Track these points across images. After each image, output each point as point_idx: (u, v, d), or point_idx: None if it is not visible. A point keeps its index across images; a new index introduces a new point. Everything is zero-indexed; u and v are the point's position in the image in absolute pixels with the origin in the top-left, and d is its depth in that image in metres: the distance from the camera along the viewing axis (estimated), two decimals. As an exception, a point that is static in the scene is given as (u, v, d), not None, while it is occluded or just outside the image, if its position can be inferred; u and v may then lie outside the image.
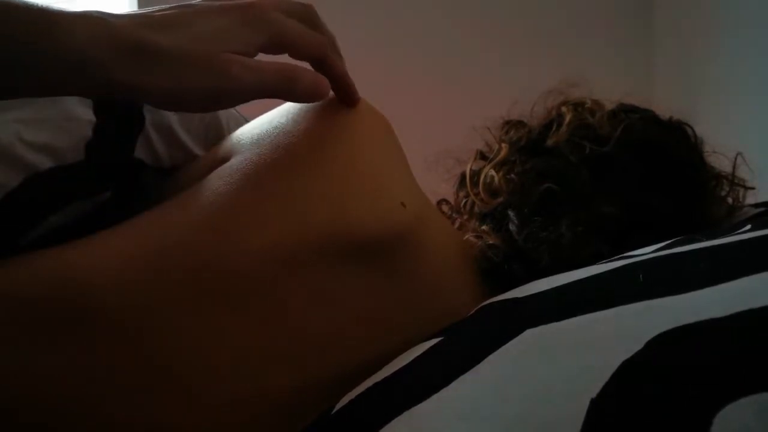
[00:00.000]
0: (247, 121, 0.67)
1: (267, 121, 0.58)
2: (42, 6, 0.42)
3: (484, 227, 0.63)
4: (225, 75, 0.46)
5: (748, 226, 0.47)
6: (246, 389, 0.49)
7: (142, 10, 0.48)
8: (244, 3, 0.49)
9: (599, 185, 0.61)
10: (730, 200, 0.67)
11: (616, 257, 0.47)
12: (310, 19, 0.54)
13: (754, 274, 0.34)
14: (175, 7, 0.48)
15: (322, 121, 0.56)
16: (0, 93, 0.44)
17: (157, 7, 0.48)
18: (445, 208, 0.74)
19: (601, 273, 0.43)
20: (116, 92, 0.45)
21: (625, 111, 0.68)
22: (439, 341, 0.44)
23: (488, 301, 0.48)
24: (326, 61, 0.54)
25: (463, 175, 0.71)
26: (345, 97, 0.57)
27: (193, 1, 0.50)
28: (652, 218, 0.60)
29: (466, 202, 0.69)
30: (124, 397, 0.47)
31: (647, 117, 0.68)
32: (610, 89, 0.71)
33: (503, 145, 0.68)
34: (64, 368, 0.46)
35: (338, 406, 0.45)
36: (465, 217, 0.69)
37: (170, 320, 0.48)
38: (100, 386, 0.47)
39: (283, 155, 0.54)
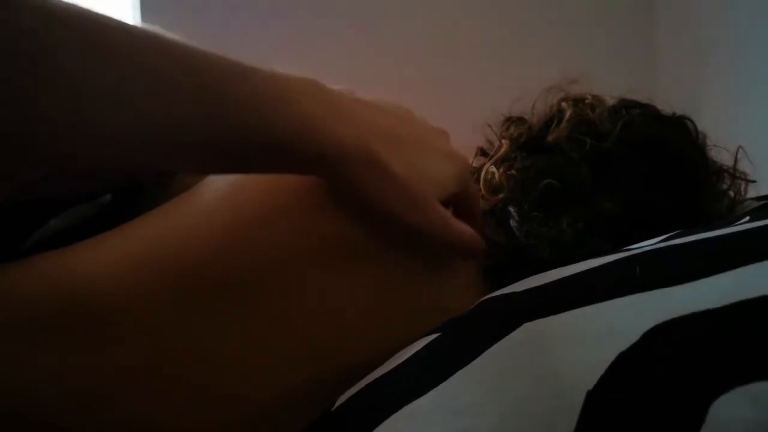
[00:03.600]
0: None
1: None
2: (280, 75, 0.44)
3: (488, 229, 0.63)
4: (428, 222, 0.48)
5: (747, 218, 0.47)
6: (250, 387, 0.49)
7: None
8: (457, 153, 0.52)
9: (599, 181, 0.61)
10: (731, 194, 0.67)
11: (613, 251, 0.47)
12: None
13: (749, 264, 0.34)
14: (407, 123, 0.50)
15: None
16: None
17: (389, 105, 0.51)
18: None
19: (597, 266, 0.43)
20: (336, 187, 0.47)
21: (625, 107, 0.68)
22: (437, 337, 0.44)
23: (487, 297, 0.48)
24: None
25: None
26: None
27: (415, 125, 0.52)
28: (653, 214, 0.60)
29: (467, 200, 0.69)
30: (130, 397, 0.47)
31: (648, 113, 0.68)
32: (611, 86, 0.71)
33: (504, 141, 0.68)
34: (67, 371, 0.46)
35: (338, 402, 0.45)
36: (467, 214, 0.69)
37: (173, 321, 0.48)
38: (105, 387, 0.47)
39: None
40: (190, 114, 0.39)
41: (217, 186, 0.54)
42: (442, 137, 0.54)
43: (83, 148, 0.37)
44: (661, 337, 0.32)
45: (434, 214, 0.49)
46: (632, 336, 0.33)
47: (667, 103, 0.70)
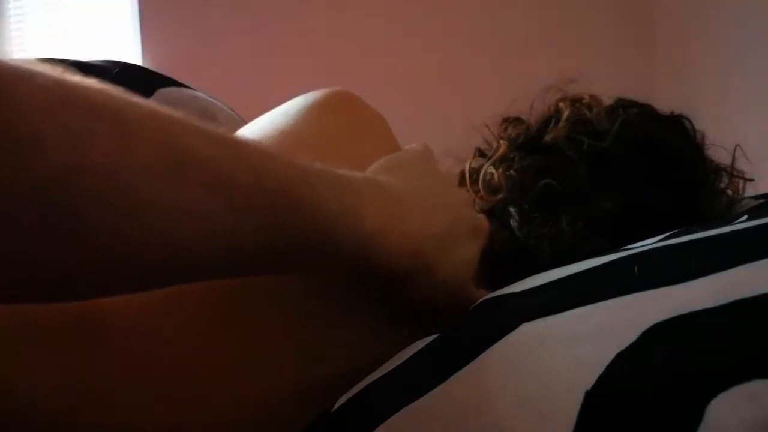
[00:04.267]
0: (245, 122, 0.67)
1: (265, 123, 0.58)
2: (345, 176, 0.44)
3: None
4: (463, 304, 0.49)
5: (744, 217, 0.47)
6: (254, 389, 0.49)
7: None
8: (481, 225, 0.53)
9: (598, 181, 0.62)
10: (729, 192, 0.67)
11: (612, 250, 0.47)
12: None
13: (747, 263, 0.34)
14: (443, 212, 0.49)
15: (318, 122, 0.56)
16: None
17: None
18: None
19: (596, 266, 0.43)
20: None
21: (623, 106, 0.68)
22: (436, 337, 0.45)
23: (486, 297, 0.48)
24: None
25: (462, 173, 0.71)
26: None
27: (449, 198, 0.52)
28: (651, 213, 0.60)
29: (466, 200, 0.69)
30: (134, 401, 0.47)
31: (645, 112, 0.68)
32: (611, 85, 0.71)
33: (502, 142, 0.68)
34: (67, 377, 0.46)
35: (337, 404, 0.45)
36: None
37: (176, 324, 0.48)
38: (108, 393, 0.47)
39: None
40: (256, 225, 0.38)
41: None
42: (462, 195, 0.55)
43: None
44: (660, 336, 0.32)
45: (469, 303, 0.49)
46: (631, 335, 0.33)
47: (666, 103, 0.70)
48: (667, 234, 0.47)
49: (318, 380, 0.49)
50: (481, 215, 0.54)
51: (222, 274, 0.41)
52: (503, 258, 0.59)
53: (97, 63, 0.64)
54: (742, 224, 0.43)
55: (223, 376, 0.49)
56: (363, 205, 0.43)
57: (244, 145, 0.39)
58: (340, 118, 0.57)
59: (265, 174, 0.38)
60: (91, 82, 0.33)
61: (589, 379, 0.32)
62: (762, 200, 0.65)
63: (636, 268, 0.40)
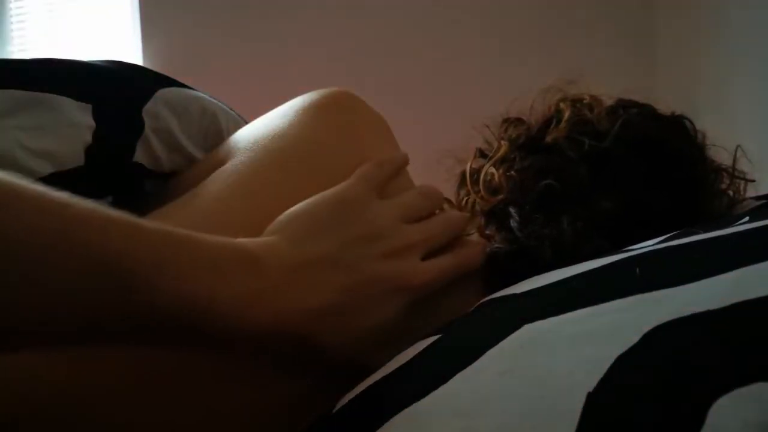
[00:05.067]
0: (246, 122, 0.67)
1: (264, 124, 0.58)
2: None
3: (488, 230, 0.63)
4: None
5: (746, 218, 0.47)
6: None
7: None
8: (407, 281, 0.48)
9: (598, 181, 0.61)
10: (730, 193, 0.67)
11: (613, 252, 0.47)
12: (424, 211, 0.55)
13: (750, 265, 0.34)
14: (338, 278, 0.46)
15: (317, 124, 0.56)
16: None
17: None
18: (446, 206, 0.74)
19: (598, 267, 0.43)
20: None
21: (623, 106, 0.68)
22: (437, 339, 0.44)
23: (487, 298, 0.48)
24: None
25: (463, 174, 0.71)
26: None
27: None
28: (652, 213, 0.60)
29: (467, 201, 0.69)
30: (135, 405, 0.47)
31: (646, 112, 0.68)
32: (611, 86, 0.71)
33: (503, 142, 0.68)
34: (69, 379, 0.46)
35: (338, 406, 0.45)
36: (467, 215, 0.69)
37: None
38: (106, 391, 0.47)
39: (276, 159, 0.54)
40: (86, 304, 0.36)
41: (211, 189, 0.54)
42: (386, 246, 0.49)
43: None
44: (662, 338, 0.32)
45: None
46: (633, 337, 0.33)
47: (666, 103, 0.70)
48: (669, 235, 0.47)
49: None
50: (415, 265, 0.50)
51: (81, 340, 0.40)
52: (504, 259, 0.59)
53: (98, 63, 0.64)
54: (743, 225, 0.42)
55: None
56: (221, 283, 0.41)
57: (83, 219, 0.38)
58: (338, 119, 0.57)
59: (97, 252, 0.37)
60: None
61: (590, 381, 0.32)
62: (763, 201, 0.65)
63: (637, 270, 0.40)
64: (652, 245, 0.45)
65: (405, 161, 0.58)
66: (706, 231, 0.43)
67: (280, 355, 0.45)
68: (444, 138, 0.73)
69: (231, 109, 0.70)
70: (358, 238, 0.48)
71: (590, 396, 0.31)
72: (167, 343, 0.42)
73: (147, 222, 0.40)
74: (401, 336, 0.48)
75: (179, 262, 0.39)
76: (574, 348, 0.35)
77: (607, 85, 0.70)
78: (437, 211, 0.57)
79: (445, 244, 0.54)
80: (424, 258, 0.51)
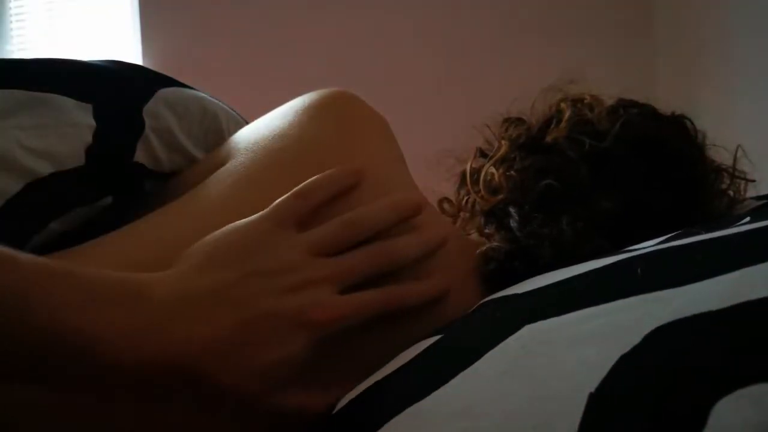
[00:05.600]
0: (247, 122, 0.67)
1: (264, 124, 0.58)
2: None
3: (488, 230, 0.63)
4: (276, 415, 0.45)
5: (747, 219, 0.47)
6: None
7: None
8: (311, 313, 0.46)
9: (598, 181, 0.61)
10: (731, 193, 0.67)
11: (614, 252, 0.47)
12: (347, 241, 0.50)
13: (751, 265, 0.34)
14: (231, 314, 0.44)
15: (317, 124, 0.56)
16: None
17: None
18: (447, 206, 0.74)
19: (599, 267, 0.43)
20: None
21: (623, 106, 0.68)
22: (438, 339, 0.44)
23: (487, 299, 0.48)
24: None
25: (463, 173, 0.71)
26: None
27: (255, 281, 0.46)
28: (652, 213, 0.60)
29: (467, 200, 0.69)
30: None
31: (646, 112, 0.68)
32: (611, 85, 0.71)
33: (503, 142, 0.68)
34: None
35: (339, 406, 0.45)
36: (467, 215, 0.69)
37: None
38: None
39: (277, 160, 0.54)
40: None
41: (212, 190, 0.54)
42: (293, 280, 0.47)
43: None
44: (663, 339, 0.32)
45: (292, 409, 0.45)
46: (634, 338, 0.33)
47: (666, 103, 0.70)
48: (670, 235, 0.47)
49: None
50: (319, 299, 0.46)
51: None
52: (503, 258, 0.59)
53: (98, 63, 0.64)
54: (745, 226, 0.42)
55: None
56: (99, 318, 0.40)
57: None
58: (339, 119, 0.57)
59: None
60: None
61: (592, 382, 0.32)
62: (764, 201, 0.65)
63: (639, 270, 0.40)
64: (654, 245, 0.45)
65: (345, 182, 0.53)
66: (707, 231, 0.43)
67: (174, 391, 0.43)
68: (444, 138, 0.73)
69: (232, 109, 0.70)
70: (257, 272, 0.46)
71: (592, 397, 0.31)
72: (45, 382, 0.41)
73: (24, 255, 0.39)
74: (336, 372, 0.47)
75: (51, 296, 0.38)
76: (575, 349, 0.35)
77: (607, 85, 0.70)
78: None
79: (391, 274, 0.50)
80: (347, 291, 0.48)
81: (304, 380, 0.46)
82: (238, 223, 0.48)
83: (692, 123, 0.69)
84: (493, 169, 0.66)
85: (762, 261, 0.34)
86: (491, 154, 0.69)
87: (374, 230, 0.50)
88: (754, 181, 0.69)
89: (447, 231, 0.56)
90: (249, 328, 0.44)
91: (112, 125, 0.59)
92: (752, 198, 0.68)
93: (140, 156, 0.61)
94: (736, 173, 0.68)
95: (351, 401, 0.44)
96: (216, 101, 0.68)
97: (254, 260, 0.46)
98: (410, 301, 0.50)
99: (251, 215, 0.50)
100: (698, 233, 0.43)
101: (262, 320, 0.44)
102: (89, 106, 0.58)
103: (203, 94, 0.67)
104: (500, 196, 0.64)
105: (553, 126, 0.67)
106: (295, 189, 0.50)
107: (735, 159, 0.68)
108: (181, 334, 0.42)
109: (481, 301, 0.48)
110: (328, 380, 0.47)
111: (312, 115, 0.57)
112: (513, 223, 0.61)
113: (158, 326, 0.41)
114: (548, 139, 0.65)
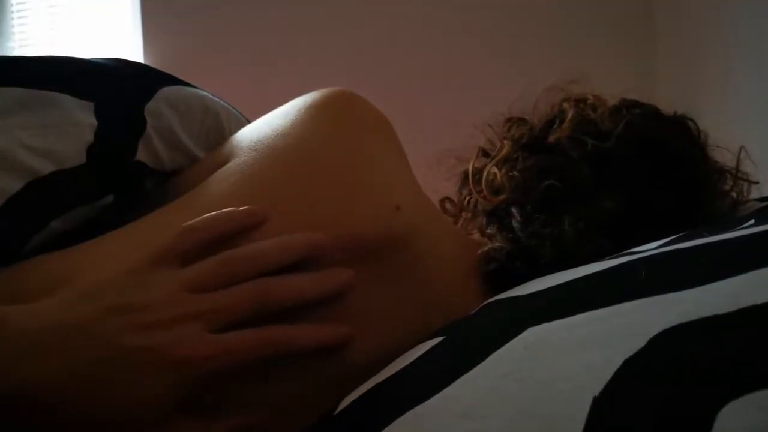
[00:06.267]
0: (249, 121, 0.67)
1: (266, 123, 0.58)
2: None
3: (489, 230, 0.63)
4: None
5: (752, 221, 0.46)
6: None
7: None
8: (172, 350, 0.44)
9: (601, 181, 0.61)
10: (734, 194, 0.67)
11: (618, 254, 0.47)
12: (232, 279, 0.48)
13: (757, 269, 0.34)
14: (89, 349, 0.42)
15: (319, 123, 0.56)
16: None
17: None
18: (448, 206, 0.74)
19: (603, 270, 0.43)
20: None
21: (626, 106, 0.67)
22: (441, 340, 0.44)
23: (490, 300, 0.48)
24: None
25: (465, 173, 0.71)
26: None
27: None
28: (654, 213, 0.60)
29: (469, 200, 0.69)
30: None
31: (649, 112, 0.68)
32: (612, 85, 0.71)
33: (505, 142, 0.68)
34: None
35: (340, 407, 0.45)
36: (469, 215, 0.69)
37: None
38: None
39: (278, 159, 0.54)
40: None
41: (214, 189, 0.54)
42: (156, 316, 0.45)
43: None
44: (668, 342, 0.32)
45: None
46: (639, 341, 0.33)
47: (667, 104, 0.70)
48: (674, 237, 0.46)
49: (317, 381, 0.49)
50: (183, 337, 0.44)
51: None
52: (505, 258, 0.59)
53: (100, 61, 0.64)
54: (750, 228, 0.42)
55: None
56: None
57: None
58: (340, 119, 0.57)
59: None
60: None
61: (596, 385, 0.32)
62: (767, 203, 0.65)
63: (643, 273, 0.39)
64: (657, 248, 0.44)
65: (244, 221, 0.50)
66: (711, 233, 0.43)
67: (29, 428, 0.42)
68: (446, 137, 0.72)
69: (233, 108, 0.70)
70: (122, 307, 0.44)
71: (596, 400, 0.31)
72: None
73: None
74: (229, 405, 0.46)
75: None
76: (579, 351, 0.35)
77: (608, 85, 0.70)
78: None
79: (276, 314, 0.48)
80: (229, 330, 0.46)
81: (185, 413, 0.44)
82: (128, 257, 0.47)
83: (695, 123, 0.68)
84: (495, 169, 0.66)
85: (768, 264, 0.34)
86: (493, 154, 0.69)
87: (257, 269, 0.48)
88: (757, 182, 0.69)
89: (351, 275, 0.51)
90: (106, 365, 0.42)
91: (114, 124, 0.59)
92: (755, 199, 0.68)
93: (141, 155, 0.60)
94: (739, 174, 0.67)
95: (353, 402, 0.44)
96: (217, 100, 0.68)
97: (123, 296, 0.45)
98: (299, 344, 0.47)
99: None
100: (703, 235, 0.43)
101: (124, 356, 0.43)
102: (90, 105, 0.58)
103: (205, 93, 0.67)
104: (502, 196, 0.63)
105: (555, 126, 0.66)
106: (186, 223, 0.49)
107: (738, 160, 0.68)
108: (32, 369, 0.41)
109: (484, 303, 0.48)
110: (216, 414, 0.46)
111: (314, 114, 0.56)
112: (515, 224, 0.61)
113: (11, 360, 0.41)
114: (551, 139, 0.65)
